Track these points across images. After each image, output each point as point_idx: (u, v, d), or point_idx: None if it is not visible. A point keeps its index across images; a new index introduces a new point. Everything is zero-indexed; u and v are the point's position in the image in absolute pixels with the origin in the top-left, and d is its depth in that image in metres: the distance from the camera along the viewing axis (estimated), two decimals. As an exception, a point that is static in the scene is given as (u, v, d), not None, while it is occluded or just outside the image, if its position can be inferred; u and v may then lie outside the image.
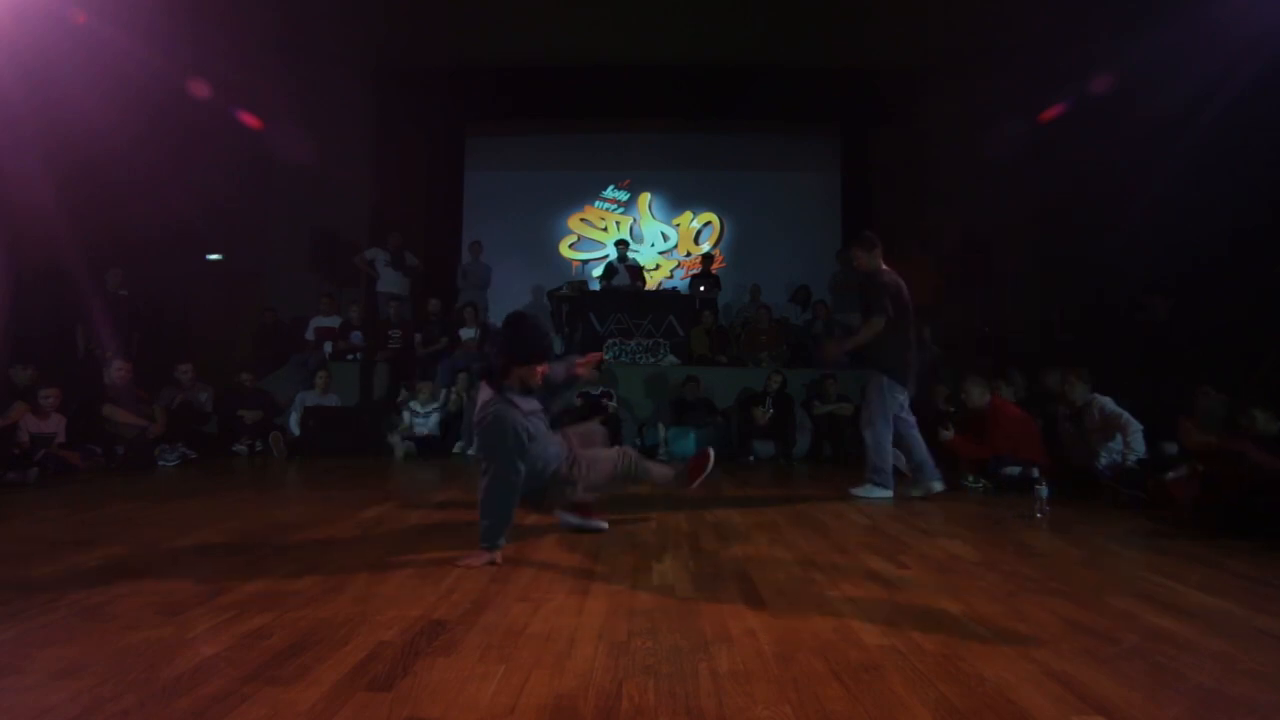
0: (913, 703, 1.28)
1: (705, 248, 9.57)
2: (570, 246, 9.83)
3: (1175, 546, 2.78)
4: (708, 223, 9.79)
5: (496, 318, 8.39)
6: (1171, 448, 4.29)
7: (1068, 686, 1.36)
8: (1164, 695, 1.34)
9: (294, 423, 6.15)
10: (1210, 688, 1.38)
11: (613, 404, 6.19)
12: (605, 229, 9.84)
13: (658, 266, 9.60)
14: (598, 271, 9.74)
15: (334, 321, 7.47)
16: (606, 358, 6.95)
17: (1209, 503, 3.19)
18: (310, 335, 7.39)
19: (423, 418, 6.27)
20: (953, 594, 1.99)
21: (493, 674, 1.38)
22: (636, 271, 8.20)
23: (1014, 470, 4.22)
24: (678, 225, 9.81)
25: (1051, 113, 8.37)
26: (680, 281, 9.13)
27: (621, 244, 8.45)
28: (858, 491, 3.94)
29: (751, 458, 6.00)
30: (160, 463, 5.03)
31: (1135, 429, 4.35)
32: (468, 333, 7.34)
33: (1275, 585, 2.19)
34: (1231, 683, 1.40)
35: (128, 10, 6.98)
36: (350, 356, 7.10)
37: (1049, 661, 1.48)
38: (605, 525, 2.89)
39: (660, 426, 6.21)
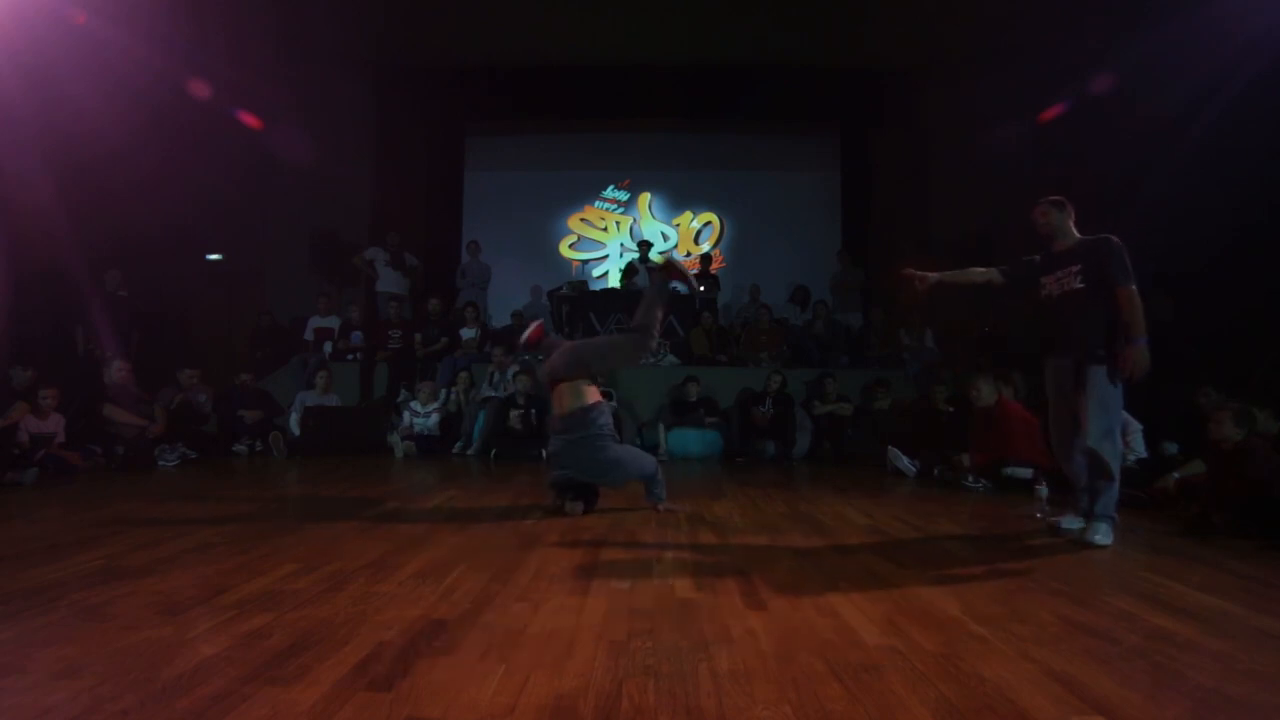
0: (913, 703, 1.28)
1: (705, 248, 9.58)
2: (570, 246, 9.83)
3: (1175, 546, 2.78)
4: (708, 223, 9.79)
5: (497, 318, 8.40)
6: (1172, 448, 4.30)
7: (1068, 686, 1.36)
8: (1164, 695, 1.34)
9: (294, 423, 6.15)
10: (1210, 688, 1.38)
11: (613, 404, 6.18)
12: (605, 229, 9.84)
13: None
14: (598, 271, 9.74)
15: (331, 322, 7.48)
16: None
17: (1219, 503, 3.18)
18: (309, 336, 7.40)
19: (423, 418, 6.27)
20: (953, 594, 1.99)
21: (493, 674, 1.38)
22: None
23: (1022, 472, 4.21)
24: (678, 225, 9.82)
25: (1051, 113, 8.38)
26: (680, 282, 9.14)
27: (644, 244, 8.48)
28: (1098, 537, 2.76)
29: (751, 458, 6.00)
30: (160, 463, 5.03)
31: (1135, 429, 4.35)
32: (468, 333, 7.35)
33: (1275, 585, 2.19)
34: (1231, 683, 1.40)
35: (128, 10, 6.98)
36: (350, 356, 7.10)
37: (1049, 661, 1.48)
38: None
39: (660, 426, 6.21)
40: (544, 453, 5.73)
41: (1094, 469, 2.90)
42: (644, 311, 3.35)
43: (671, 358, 7.10)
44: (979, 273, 3.31)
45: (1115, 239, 2.95)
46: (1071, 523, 3.05)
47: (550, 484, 3.25)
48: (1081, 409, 2.89)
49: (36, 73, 6.21)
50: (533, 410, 5.91)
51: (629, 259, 8.85)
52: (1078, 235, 3.11)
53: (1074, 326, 2.96)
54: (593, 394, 3.24)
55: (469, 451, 6.06)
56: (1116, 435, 2.89)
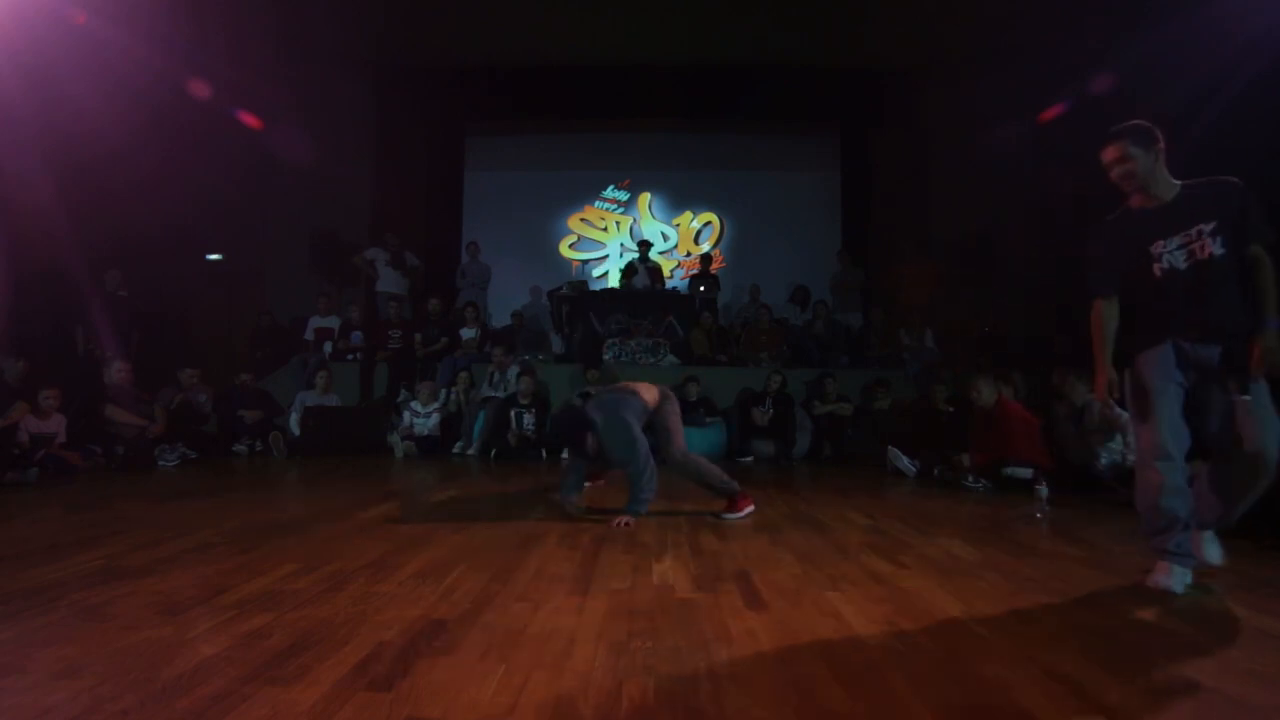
0: (913, 703, 1.28)
1: (705, 248, 9.58)
2: (570, 246, 9.84)
3: (1175, 546, 2.78)
4: (708, 223, 9.80)
5: (497, 318, 8.40)
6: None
7: (1068, 686, 1.36)
8: (1164, 695, 1.34)
9: (294, 423, 6.15)
10: (1210, 688, 1.38)
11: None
12: (605, 229, 9.85)
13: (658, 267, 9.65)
14: (598, 271, 9.75)
15: (332, 322, 7.48)
16: (606, 357, 6.94)
17: None
18: (309, 335, 7.40)
19: (423, 418, 6.27)
20: (953, 594, 1.99)
21: (493, 674, 1.38)
22: (656, 273, 8.26)
23: (1022, 472, 4.21)
24: (678, 225, 9.82)
25: (1051, 113, 8.38)
26: (680, 282, 9.15)
27: (644, 244, 8.50)
28: (1213, 558, 2.25)
29: (751, 458, 6.00)
30: (160, 463, 5.03)
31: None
32: (468, 333, 7.35)
33: (1275, 585, 2.19)
34: (1231, 683, 1.40)
35: (128, 10, 6.97)
36: (350, 356, 7.10)
37: (1049, 661, 1.48)
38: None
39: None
40: (542, 452, 5.74)
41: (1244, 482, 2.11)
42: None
43: (671, 358, 7.11)
44: (1113, 322, 2.39)
45: (1239, 181, 2.12)
46: (1185, 570, 2.11)
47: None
48: (1240, 416, 2.08)
49: (36, 73, 6.21)
50: (534, 423, 5.89)
51: (629, 259, 8.84)
52: (1175, 182, 2.22)
53: (1220, 307, 2.10)
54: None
55: (469, 451, 6.06)
56: None
